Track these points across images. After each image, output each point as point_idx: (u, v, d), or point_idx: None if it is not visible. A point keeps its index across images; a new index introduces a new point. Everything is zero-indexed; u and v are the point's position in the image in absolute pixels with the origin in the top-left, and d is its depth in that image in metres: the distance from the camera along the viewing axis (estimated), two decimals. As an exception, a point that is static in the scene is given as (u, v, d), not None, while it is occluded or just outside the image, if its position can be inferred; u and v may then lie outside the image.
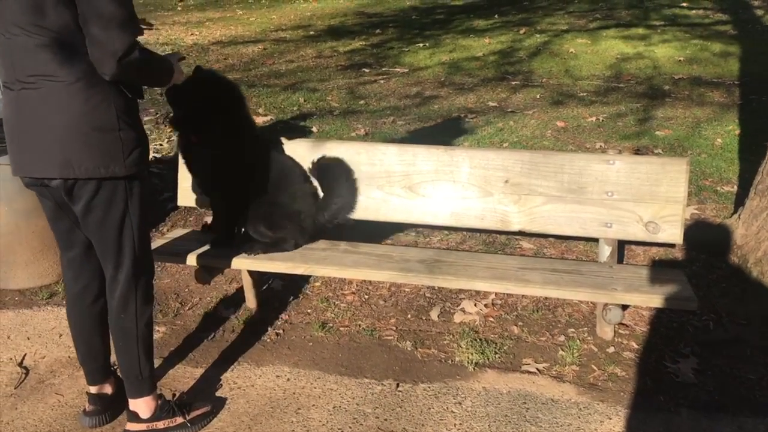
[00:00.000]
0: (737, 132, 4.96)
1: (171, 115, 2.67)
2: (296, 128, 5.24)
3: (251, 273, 2.99)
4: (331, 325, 2.95)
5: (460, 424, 2.31)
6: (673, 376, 2.54)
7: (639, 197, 2.60)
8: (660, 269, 2.67)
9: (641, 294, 2.38)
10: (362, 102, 6.09)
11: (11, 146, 1.97)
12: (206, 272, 2.75)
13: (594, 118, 5.38)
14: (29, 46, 1.83)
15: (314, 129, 5.21)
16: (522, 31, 8.82)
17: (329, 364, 2.67)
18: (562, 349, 2.71)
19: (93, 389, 2.34)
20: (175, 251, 2.74)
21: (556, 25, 9.10)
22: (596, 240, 2.75)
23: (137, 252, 2.08)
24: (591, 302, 2.94)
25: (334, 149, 2.88)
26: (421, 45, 8.36)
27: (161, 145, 4.87)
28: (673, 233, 2.58)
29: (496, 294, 3.07)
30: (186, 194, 2.96)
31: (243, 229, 2.77)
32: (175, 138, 4.78)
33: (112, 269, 2.09)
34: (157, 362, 2.50)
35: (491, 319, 2.95)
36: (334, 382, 2.56)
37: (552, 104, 5.87)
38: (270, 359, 2.72)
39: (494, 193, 2.74)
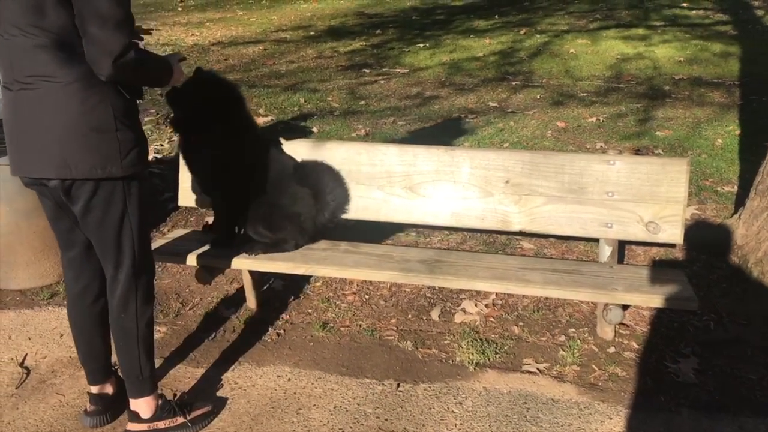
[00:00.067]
0: (737, 132, 4.96)
1: (171, 115, 2.68)
2: (297, 129, 5.25)
3: (252, 273, 2.99)
4: (331, 325, 2.95)
5: (461, 424, 2.31)
6: (673, 376, 2.54)
7: (639, 197, 2.60)
8: (660, 269, 2.67)
9: (642, 294, 2.38)
10: (363, 102, 6.10)
11: (10, 146, 1.98)
12: (207, 272, 2.75)
13: (594, 119, 5.38)
14: (27, 46, 1.83)
15: (315, 129, 5.21)
16: (522, 32, 8.82)
17: (330, 364, 2.68)
18: (563, 349, 2.71)
19: (94, 389, 2.34)
20: (176, 251, 2.75)
21: (557, 26, 9.10)
22: (597, 240, 2.75)
23: (137, 252, 2.08)
24: (591, 302, 2.94)
25: (335, 149, 2.89)
26: (421, 45, 8.36)
27: (162, 145, 4.87)
28: (673, 233, 2.58)
29: (496, 294, 3.07)
30: (187, 194, 2.96)
31: (243, 230, 2.78)
32: (175, 138, 4.79)
33: (112, 269, 2.09)
34: (158, 362, 2.50)
35: (492, 319, 2.95)
36: (334, 382, 2.56)
37: (552, 104, 5.87)
38: (271, 359, 2.72)
39: (495, 193, 2.74)
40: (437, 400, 2.44)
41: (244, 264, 2.71)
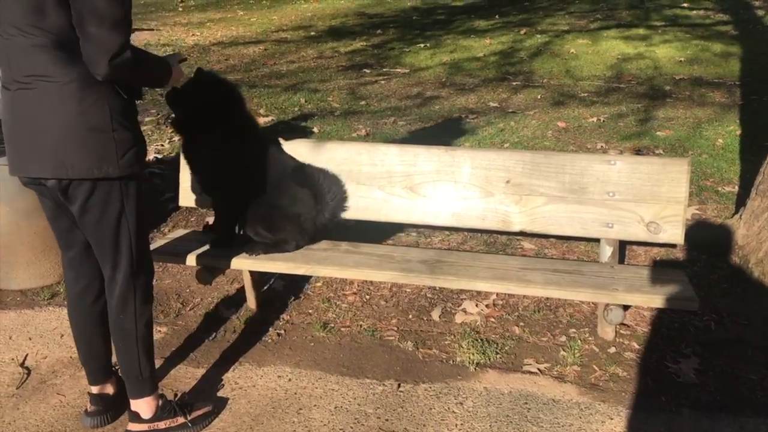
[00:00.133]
0: (738, 132, 4.96)
1: (172, 116, 2.68)
2: (297, 129, 5.25)
3: (252, 273, 2.99)
4: (332, 325, 2.95)
5: (462, 424, 2.31)
6: (674, 376, 2.54)
7: (640, 197, 2.60)
8: (661, 269, 2.67)
9: (642, 294, 2.38)
10: (363, 102, 6.10)
11: (8, 146, 1.98)
12: (207, 272, 2.75)
13: (595, 119, 5.38)
14: (26, 46, 1.83)
15: (315, 129, 5.21)
16: (523, 32, 8.82)
17: (331, 365, 2.67)
18: (564, 350, 2.71)
19: (95, 389, 2.34)
20: (176, 251, 2.75)
21: (557, 26, 9.10)
22: (597, 240, 2.75)
23: (134, 252, 2.08)
24: (592, 302, 2.94)
25: (335, 150, 2.88)
26: (422, 45, 8.36)
27: (162, 145, 4.88)
28: (674, 233, 2.58)
29: (497, 294, 3.07)
30: (187, 195, 2.96)
31: (243, 230, 2.77)
32: (176, 138, 4.79)
33: (110, 269, 2.09)
34: (158, 362, 2.50)
35: (492, 319, 2.95)
36: (335, 382, 2.56)
37: (553, 105, 5.87)
38: (271, 359, 2.72)
39: (495, 193, 2.74)
40: (438, 401, 2.44)
41: (244, 264, 2.71)
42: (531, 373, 2.58)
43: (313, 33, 9.42)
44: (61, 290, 3.24)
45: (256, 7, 12.04)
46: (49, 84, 1.84)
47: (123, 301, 2.11)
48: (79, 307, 2.24)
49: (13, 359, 2.75)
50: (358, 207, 2.86)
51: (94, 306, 2.24)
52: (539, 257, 3.25)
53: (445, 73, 7.13)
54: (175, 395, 2.43)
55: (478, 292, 3.08)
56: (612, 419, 2.32)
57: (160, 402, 2.25)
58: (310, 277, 3.29)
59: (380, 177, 2.84)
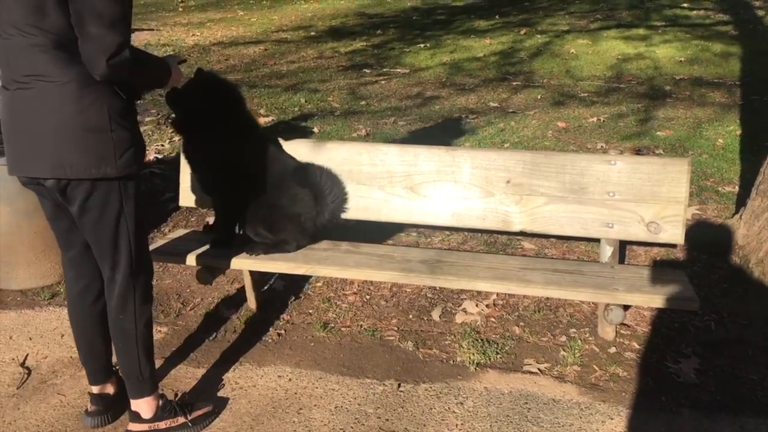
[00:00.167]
0: (738, 132, 4.96)
1: (172, 115, 2.68)
2: (297, 129, 5.25)
3: (252, 273, 2.99)
4: (332, 325, 2.95)
5: (462, 424, 2.31)
6: (674, 376, 2.54)
7: (640, 197, 2.60)
8: (661, 269, 2.67)
9: (643, 294, 2.38)
10: (363, 102, 6.10)
11: (7, 146, 1.97)
12: (208, 272, 2.75)
13: (595, 119, 5.38)
14: (25, 46, 1.83)
15: (315, 129, 5.21)
16: (523, 32, 8.82)
17: (331, 365, 2.68)
18: (564, 350, 2.71)
19: (95, 389, 2.34)
20: (176, 251, 2.75)
21: (557, 26, 9.10)
22: (598, 240, 2.75)
23: (134, 252, 2.08)
24: (592, 302, 2.94)
25: (336, 150, 2.89)
26: (422, 46, 8.36)
27: (162, 145, 4.88)
28: (674, 233, 2.58)
29: (497, 294, 3.07)
30: (188, 195, 2.96)
31: (242, 231, 2.77)
32: (176, 138, 4.79)
33: (109, 270, 2.09)
34: (158, 362, 2.50)
35: (493, 319, 2.95)
36: (335, 382, 2.56)
37: (553, 105, 5.87)
38: (272, 359, 2.72)
39: (496, 193, 2.74)
40: (438, 401, 2.44)
41: (244, 264, 2.71)
42: (531, 373, 2.58)
43: (313, 33, 9.42)
44: (62, 290, 3.24)
45: (257, 7, 12.04)
46: (48, 84, 1.84)
47: (122, 301, 2.11)
48: (80, 307, 2.24)
49: (13, 359, 2.75)
50: (359, 207, 2.86)
51: (94, 306, 2.24)
52: (539, 257, 3.25)
53: (446, 73, 7.13)
54: (176, 395, 2.43)
55: (479, 292, 3.08)
56: (612, 419, 2.32)
57: (161, 402, 2.25)
58: (311, 277, 3.29)
59: (381, 177, 2.84)
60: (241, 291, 3.18)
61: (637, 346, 2.73)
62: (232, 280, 3.33)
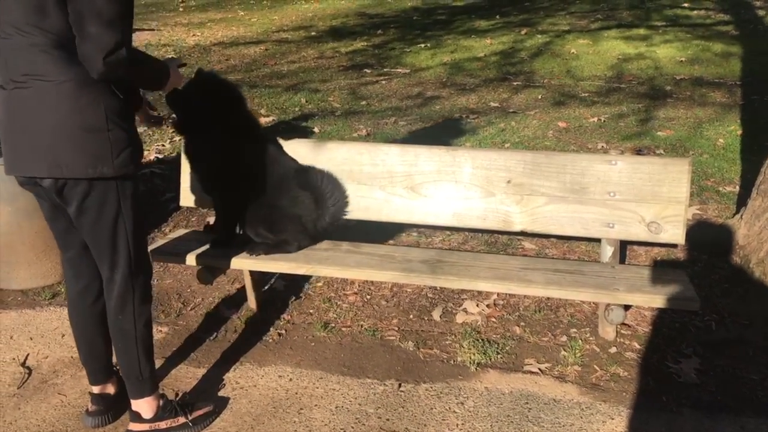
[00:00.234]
0: (739, 132, 4.96)
1: (173, 116, 2.68)
2: (298, 129, 5.25)
3: (253, 273, 2.99)
4: (333, 325, 2.95)
5: (462, 424, 2.31)
6: (675, 376, 2.54)
7: (641, 197, 2.60)
8: (662, 269, 2.67)
9: (643, 294, 2.38)
10: (364, 102, 6.10)
11: (5, 145, 1.97)
12: (208, 272, 2.75)
13: (596, 119, 5.38)
14: (23, 45, 1.83)
15: (316, 129, 5.21)
16: (523, 32, 8.82)
17: (331, 364, 2.68)
18: (564, 350, 2.71)
19: (95, 389, 2.34)
20: (177, 251, 2.75)
21: (558, 26, 9.10)
22: (598, 240, 2.75)
23: (132, 252, 2.08)
24: (593, 302, 2.94)
25: (336, 150, 2.89)
26: (422, 46, 8.36)
27: (163, 145, 4.88)
28: (675, 233, 2.58)
29: (498, 294, 3.07)
30: (188, 195, 2.96)
31: (243, 231, 2.77)
32: (177, 138, 4.79)
33: (108, 270, 2.09)
34: (159, 362, 2.50)
35: (493, 319, 2.95)
36: (336, 382, 2.56)
37: (553, 105, 5.87)
38: (272, 359, 2.72)
39: (496, 193, 2.74)
40: (439, 401, 2.44)
41: (245, 264, 2.71)
42: (532, 373, 2.58)
43: (313, 33, 9.42)
44: (62, 290, 3.24)
45: (257, 7, 12.04)
46: (45, 83, 1.84)
47: (122, 301, 2.11)
48: (80, 307, 2.24)
49: (14, 359, 2.75)
50: (359, 207, 2.86)
51: (94, 306, 2.24)
52: (540, 257, 3.25)
53: (446, 73, 7.13)
54: (176, 395, 2.43)
55: (479, 292, 3.08)
56: (613, 419, 2.32)
57: (161, 402, 2.25)
58: (311, 276, 3.29)
59: (381, 177, 2.84)
60: (242, 291, 3.18)
61: (638, 346, 2.73)
62: (233, 280, 3.33)
